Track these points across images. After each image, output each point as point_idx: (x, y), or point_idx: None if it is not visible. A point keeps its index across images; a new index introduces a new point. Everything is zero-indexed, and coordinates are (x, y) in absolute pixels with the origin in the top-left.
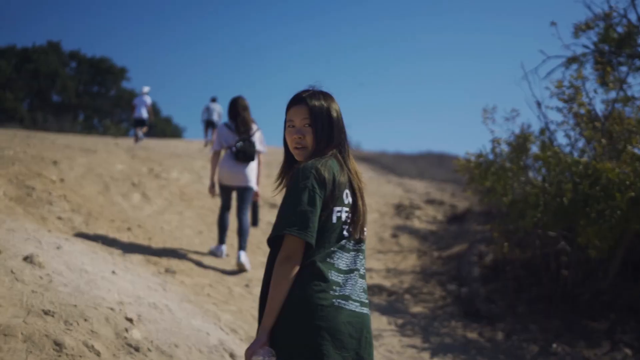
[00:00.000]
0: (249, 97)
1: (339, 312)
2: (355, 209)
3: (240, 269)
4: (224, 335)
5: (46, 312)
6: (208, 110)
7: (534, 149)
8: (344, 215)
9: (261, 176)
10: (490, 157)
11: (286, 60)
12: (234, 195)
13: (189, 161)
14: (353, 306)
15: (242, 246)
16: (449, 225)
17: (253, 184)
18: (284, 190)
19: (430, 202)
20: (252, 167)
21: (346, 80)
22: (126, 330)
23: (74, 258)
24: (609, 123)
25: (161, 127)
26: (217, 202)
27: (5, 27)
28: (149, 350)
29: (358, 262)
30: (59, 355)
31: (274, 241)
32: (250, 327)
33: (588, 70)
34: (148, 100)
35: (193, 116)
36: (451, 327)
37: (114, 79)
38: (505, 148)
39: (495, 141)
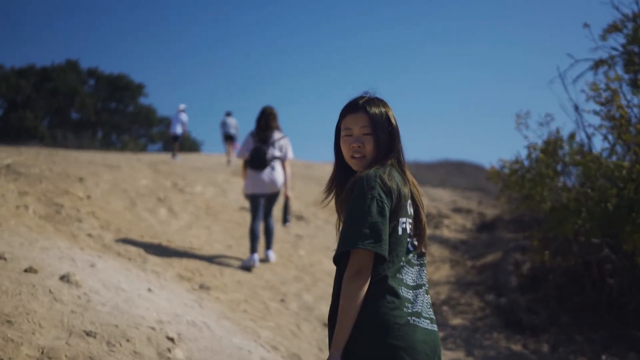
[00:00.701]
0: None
1: (415, 330)
2: (419, 221)
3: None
4: (266, 353)
5: (88, 333)
6: (225, 125)
7: (566, 152)
8: (408, 227)
9: (290, 182)
10: (526, 163)
11: (299, 69)
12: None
13: (212, 175)
14: (425, 324)
15: (268, 246)
16: (478, 233)
17: (278, 186)
18: (333, 202)
19: (458, 210)
20: (277, 171)
21: (362, 86)
22: (169, 350)
23: (108, 276)
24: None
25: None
26: (244, 216)
27: (25, 46)
28: None
29: (423, 276)
30: None
31: (340, 257)
32: (290, 344)
33: (618, 72)
34: (184, 117)
35: (210, 130)
36: (494, 339)
37: (131, 95)
38: (540, 154)
39: (531, 147)
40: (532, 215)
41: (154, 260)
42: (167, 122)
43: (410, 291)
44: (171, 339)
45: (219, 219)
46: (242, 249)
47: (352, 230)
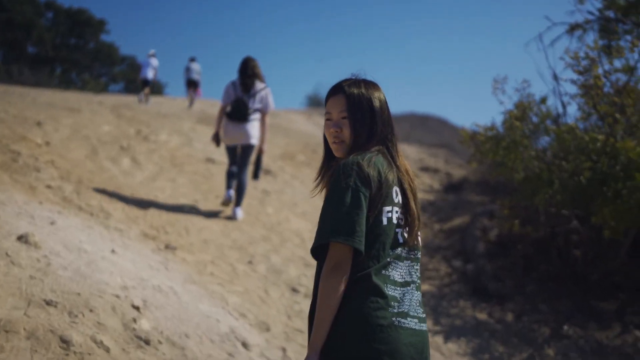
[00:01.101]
0: (227, 54)
1: (400, 332)
2: (408, 211)
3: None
4: (234, 321)
5: (48, 303)
6: (188, 70)
7: (537, 115)
8: (394, 217)
9: (267, 135)
10: (501, 130)
11: (267, 17)
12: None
13: (177, 122)
14: (412, 323)
15: (238, 203)
16: (445, 194)
17: (254, 140)
18: (324, 191)
19: (425, 169)
20: (253, 125)
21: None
22: (134, 320)
23: (70, 235)
24: (623, 97)
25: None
26: (209, 168)
27: None
28: (160, 342)
29: (413, 272)
30: (67, 354)
31: (318, 251)
32: (258, 310)
33: (591, 37)
34: (154, 62)
35: (175, 72)
36: (460, 307)
37: (92, 31)
38: (516, 121)
39: (508, 113)
40: (498, 179)
41: (117, 215)
42: (130, 62)
43: (398, 289)
44: (137, 308)
45: (184, 170)
46: (208, 204)
47: (324, 223)
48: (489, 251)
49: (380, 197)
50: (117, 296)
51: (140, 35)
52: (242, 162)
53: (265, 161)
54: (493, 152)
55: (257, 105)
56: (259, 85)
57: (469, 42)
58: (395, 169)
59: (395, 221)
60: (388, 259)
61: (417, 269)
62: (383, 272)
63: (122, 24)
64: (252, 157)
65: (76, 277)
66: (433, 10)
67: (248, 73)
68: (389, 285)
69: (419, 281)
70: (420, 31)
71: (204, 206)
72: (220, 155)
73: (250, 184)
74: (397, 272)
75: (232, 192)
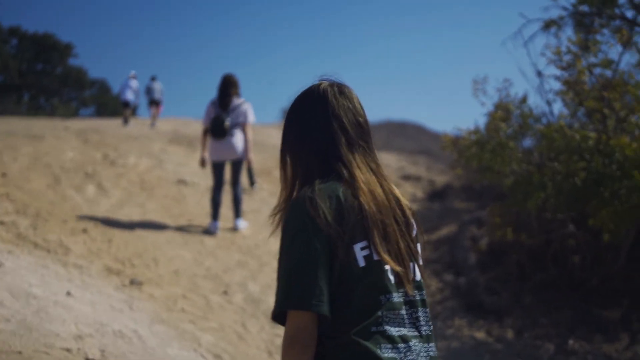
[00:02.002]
0: (198, 71)
1: None
2: (390, 238)
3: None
4: None
5: None
6: (150, 90)
7: (517, 116)
8: (376, 253)
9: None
10: (484, 132)
11: (233, 31)
12: (227, 169)
13: (147, 144)
14: None
15: (237, 215)
16: (430, 203)
17: (241, 153)
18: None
19: (407, 178)
20: (238, 140)
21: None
22: None
23: (19, 278)
24: (609, 91)
25: (112, 105)
26: (181, 190)
27: None
28: None
29: (418, 321)
30: None
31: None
32: (235, 350)
33: (567, 33)
34: (134, 84)
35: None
36: (456, 326)
37: (59, 56)
38: (501, 122)
39: (492, 115)
40: (484, 183)
41: (77, 250)
42: (100, 85)
43: (398, 347)
44: None
45: (154, 194)
46: (179, 231)
47: (278, 285)
48: (481, 262)
49: (345, 233)
50: (68, 350)
51: (110, 58)
52: (234, 178)
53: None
54: (478, 156)
55: (237, 119)
56: (236, 101)
57: (440, 44)
58: (357, 189)
59: (375, 258)
60: (379, 312)
61: (424, 316)
62: (373, 329)
63: (91, 47)
64: (244, 170)
65: (20, 330)
66: (401, 13)
67: (225, 91)
68: (383, 346)
69: (429, 331)
70: (389, 35)
71: (175, 232)
72: (193, 176)
73: (225, 205)
74: (394, 326)
75: (219, 225)
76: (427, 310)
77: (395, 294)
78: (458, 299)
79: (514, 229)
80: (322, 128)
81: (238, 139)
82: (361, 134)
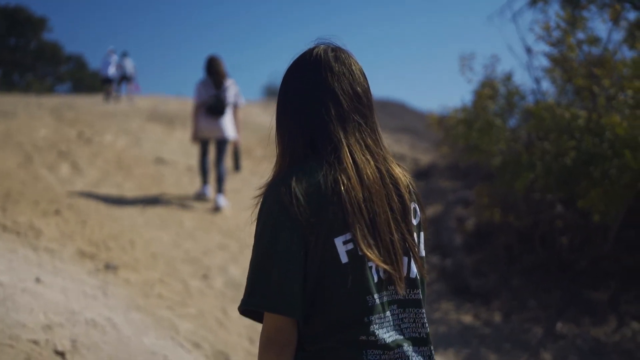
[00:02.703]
0: (173, 48)
1: None
2: (378, 232)
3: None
4: (186, 354)
5: None
6: (121, 66)
7: (503, 95)
8: (361, 248)
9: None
10: (471, 110)
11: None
12: (212, 147)
13: (125, 121)
14: None
15: (220, 190)
16: (415, 182)
17: (229, 134)
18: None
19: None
20: (228, 119)
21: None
22: None
23: None
24: (599, 69)
25: (89, 81)
26: (160, 170)
27: None
28: None
29: (412, 323)
30: None
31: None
32: (215, 337)
33: (554, 9)
34: (113, 59)
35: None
36: (442, 310)
37: (33, 30)
38: (489, 100)
39: (480, 93)
40: (469, 162)
41: (49, 233)
42: (76, 60)
43: (388, 353)
44: (61, 354)
45: (132, 173)
46: (157, 210)
47: (247, 282)
48: (467, 243)
49: (323, 225)
50: (36, 342)
51: (87, 33)
52: (219, 156)
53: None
54: (465, 135)
55: (231, 99)
56: (227, 81)
57: (422, 21)
58: (345, 171)
59: (360, 253)
60: (365, 314)
61: (417, 317)
62: (359, 334)
63: (66, 21)
64: (229, 151)
65: None
66: None
67: (219, 71)
68: (370, 352)
69: (424, 334)
70: (371, 14)
71: (152, 213)
72: (172, 154)
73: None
74: (383, 329)
75: (210, 188)
76: (422, 310)
77: (383, 293)
78: (444, 281)
79: (502, 210)
80: (310, 99)
81: (228, 119)
82: (358, 107)
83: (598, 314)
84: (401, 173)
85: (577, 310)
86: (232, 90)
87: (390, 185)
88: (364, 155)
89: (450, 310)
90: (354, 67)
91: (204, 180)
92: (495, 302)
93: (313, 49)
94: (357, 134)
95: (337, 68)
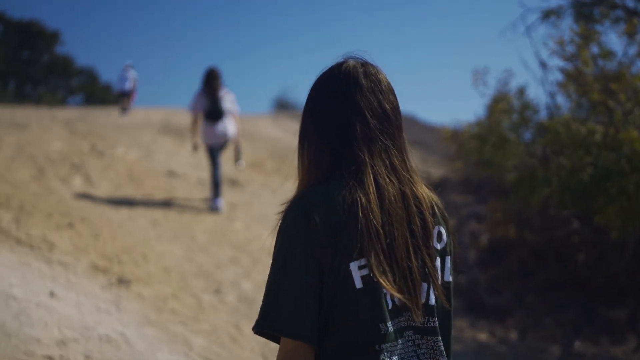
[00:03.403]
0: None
1: None
2: (392, 256)
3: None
4: None
5: None
6: (135, 80)
7: (515, 110)
8: (378, 272)
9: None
10: (485, 125)
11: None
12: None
13: (136, 134)
14: None
15: (217, 195)
16: None
17: (231, 133)
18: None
19: None
20: (229, 122)
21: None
22: None
23: None
24: (614, 83)
25: (101, 94)
26: (171, 182)
27: None
28: None
29: (429, 350)
30: None
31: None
32: (229, 354)
33: (566, 23)
34: (132, 73)
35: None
36: (457, 327)
37: (45, 43)
38: (503, 115)
39: (494, 107)
40: (482, 177)
41: (63, 246)
42: (88, 73)
43: None
44: None
45: (143, 186)
46: (169, 224)
47: (262, 302)
48: (482, 259)
49: (339, 249)
50: (50, 357)
51: (98, 46)
52: (219, 159)
53: (232, 171)
54: (478, 150)
55: (227, 105)
56: (222, 90)
57: (433, 35)
58: (366, 191)
59: (375, 279)
60: (377, 343)
61: (436, 346)
62: None
63: (78, 34)
64: (230, 148)
65: None
66: (394, 4)
67: (215, 82)
68: None
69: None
70: (382, 27)
71: (165, 227)
72: (183, 167)
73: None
74: (395, 357)
75: (222, 201)
76: (439, 339)
77: (399, 319)
78: (458, 298)
79: (516, 226)
80: (337, 116)
81: (229, 124)
82: (386, 126)
83: (616, 332)
84: (427, 195)
85: (595, 329)
86: (227, 98)
87: (414, 208)
88: (388, 177)
89: (465, 328)
90: (383, 84)
91: (217, 194)
92: (511, 320)
93: (342, 63)
94: (383, 155)
95: (366, 84)
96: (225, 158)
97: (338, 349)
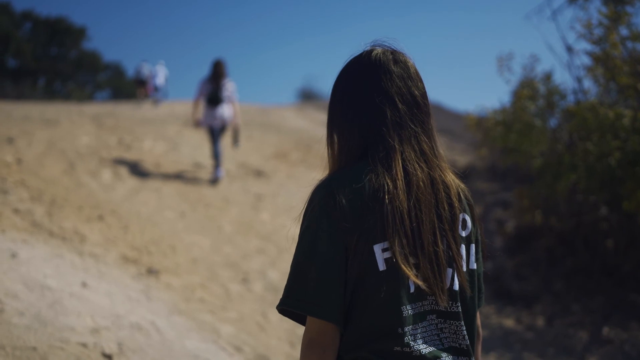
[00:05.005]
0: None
1: None
2: (418, 242)
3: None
4: (228, 358)
5: None
6: (139, 72)
7: (542, 95)
8: (401, 256)
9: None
10: (510, 111)
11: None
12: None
13: (162, 127)
14: None
15: (218, 165)
16: None
17: (228, 117)
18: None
19: None
20: (227, 109)
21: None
22: None
23: (33, 269)
24: None
25: (127, 89)
26: (197, 174)
27: None
28: None
29: (451, 334)
30: None
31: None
32: (256, 341)
33: (596, 4)
34: (162, 71)
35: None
36: (484, 313)
37: (73, 39)
38: (529, 101)
39: (519, 94)
40: (507, 164)
41: (93, 238)
42: (115, 68)
43: None
44: (108, 357)
45: (170, 179)
46: (197, 216)
47: (287, 281)
48: (508, 246)
49: (364, 232)
50: (84, 345)
51: (124, 41)
52: (217, 138)
53: (258, 161)
54: (503, 137)
55: (227, 92)
56: (225, 79)
57: (458, 21)
58: (393, 177)
59: (400, 262)
60: (400, 325)
61: (459, 330)
62: (393, 345)
63: (104, 29)
64: (229, 130)
65: (34, 324)
66: None
67: (219, 71)
68: None
69: (464, 346)
70: (406, 12)
71: (192, 218)
72: (209, 158)
73: (241, 190)
74: (419, 341)
75: (222, 170)
76: (462, 323)
77: (422, 302)
78: (485, 284)
79: (543, 212)
80: (366, 102)
81: (227, 109)
82: (415, 112)
83: None
84: (454, 181)
85: (623, 315)
86: (228, 87)
87: (443, 193)
88: (417, 163)
89: (491, 314)
90: (412, 71)
91: (218, 164)
92: (537, 306)
93: (370, 51)
94: (412, 140)
95: (396, 71)
96: (248, 150)
97: (361, 333)
